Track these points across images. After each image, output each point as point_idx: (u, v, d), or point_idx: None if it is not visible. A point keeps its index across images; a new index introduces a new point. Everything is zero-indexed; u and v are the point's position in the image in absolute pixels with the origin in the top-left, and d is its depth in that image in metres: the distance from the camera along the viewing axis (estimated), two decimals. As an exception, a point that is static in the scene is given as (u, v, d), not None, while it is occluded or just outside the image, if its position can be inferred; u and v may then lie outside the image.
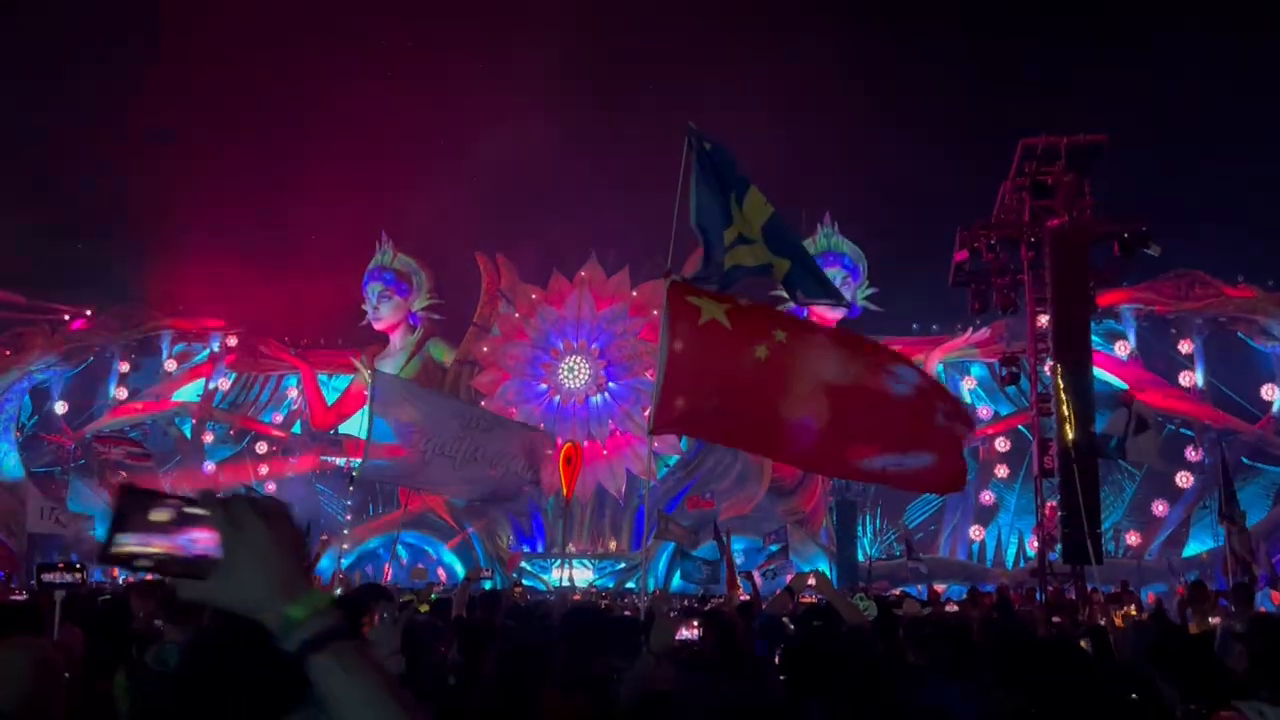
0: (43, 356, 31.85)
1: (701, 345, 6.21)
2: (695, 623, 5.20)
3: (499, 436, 10.61)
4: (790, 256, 6.76)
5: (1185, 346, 27.66)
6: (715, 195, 6.78)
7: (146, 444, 31.94)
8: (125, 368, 33.00)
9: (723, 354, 6.27)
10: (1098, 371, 21.15)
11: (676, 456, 29.17)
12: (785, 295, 7.41)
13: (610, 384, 31.01)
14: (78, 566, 5.56)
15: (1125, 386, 27.24)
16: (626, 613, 10.29)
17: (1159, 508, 27.29)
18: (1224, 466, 15.58)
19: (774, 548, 22.76)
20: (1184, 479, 26.73)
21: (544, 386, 31.22)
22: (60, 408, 32.18)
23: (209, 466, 32.22)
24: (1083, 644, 6.23)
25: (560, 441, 29.63)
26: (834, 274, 29.87)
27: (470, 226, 33.16)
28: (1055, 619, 10.33)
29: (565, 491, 28.73)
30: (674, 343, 6.18)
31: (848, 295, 29.91)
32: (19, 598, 5.88)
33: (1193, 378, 27.34)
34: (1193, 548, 26.67)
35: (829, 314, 29.85)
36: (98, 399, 32.78)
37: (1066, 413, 17.08)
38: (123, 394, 32.55)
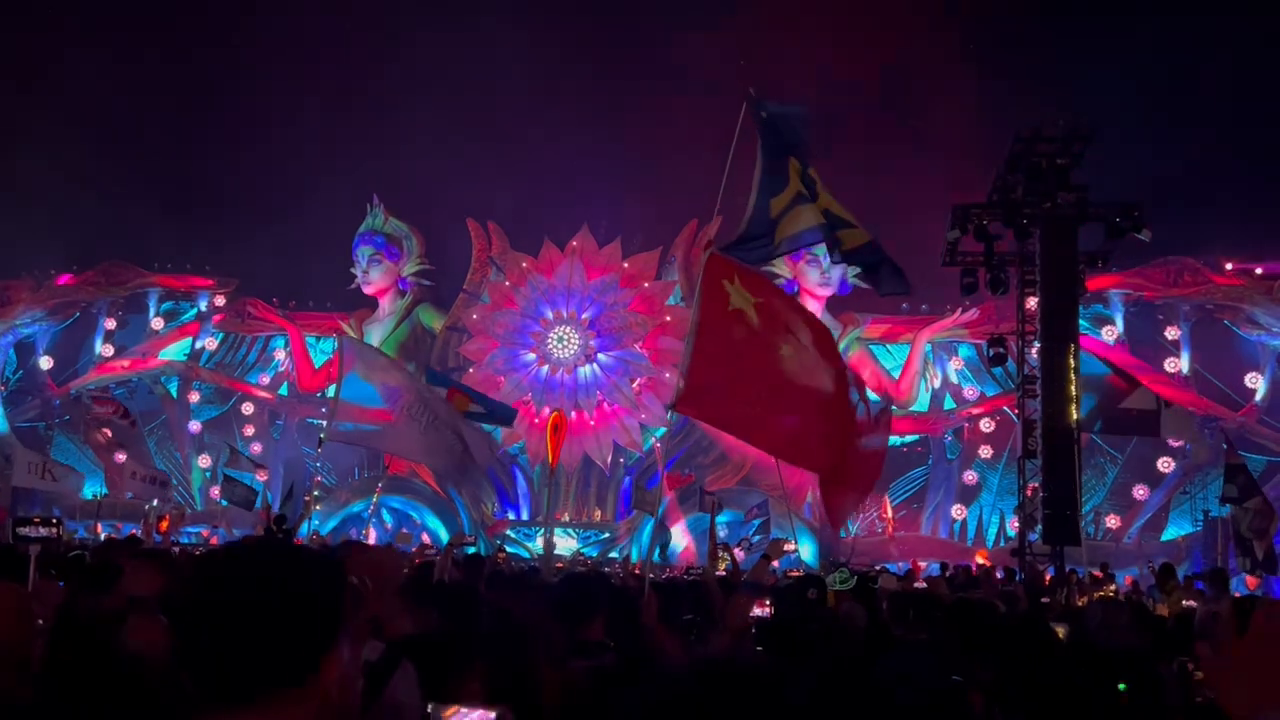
0: (28, 311, 31.68)
1: (726, 332, 6.03)
2: (767, 601, 5.23)
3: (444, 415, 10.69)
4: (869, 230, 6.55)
5: (1172, 333, 27.83)
6: (772, 162, 6.59)
7: (132, 402, 31.88)
8: (111, 325, 32.82)
9: (745, 347, 6.10)
10: (1085, 354, 21.29)
11: (664, 429, 29.24)
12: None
13: (599, 355, 31.00)
14: (54, 521, 5.59)
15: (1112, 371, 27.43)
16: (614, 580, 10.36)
17: (1140, 492, 27.55)
18: (1229, 447, 15.76)
19: (756, 523, 22.97)
20: (1165, 464, 26.98)
21: (532, 356, 31.21)
22: (45, 363, 32.04)
23: (194, 426, 32.17)
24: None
25: (547, 411, 29.70)
26: (824, 251, 29.84)
27: (462, 192, 32.93)
28: (1044, 600, 10.47)
29: (551, 460, 28.78)
30: (703, 323, 5.99)
31: (838, 274, 29.94)
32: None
33: (1178, 364, 27.53)
34: (1171, 532, 26.99)
35: (818, 290, 29.96)
36: (83, 355, 32.65)
37: (1054, 396, 17.19)
38: (109, 351, 32.40)
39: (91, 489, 29.52)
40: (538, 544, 28.45)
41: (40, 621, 3.83)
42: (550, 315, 31.31)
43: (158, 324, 32.93)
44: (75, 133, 34.53)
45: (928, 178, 28.19)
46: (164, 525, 18.65)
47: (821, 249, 29.54)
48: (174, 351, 32.64)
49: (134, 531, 20.68)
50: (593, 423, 30.77)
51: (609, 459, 30.65)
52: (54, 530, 5.57)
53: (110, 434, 31.08)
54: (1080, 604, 11.21)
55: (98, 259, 32.65)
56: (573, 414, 30.44)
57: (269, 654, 1.38)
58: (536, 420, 30.29)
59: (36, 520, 5.53)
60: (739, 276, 6.11)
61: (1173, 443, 26.92)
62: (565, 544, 29.00)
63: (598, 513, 30.91)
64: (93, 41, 35.97)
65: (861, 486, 6.46)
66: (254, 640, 1.37)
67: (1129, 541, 26.71)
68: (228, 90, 36.85)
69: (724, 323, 6.02)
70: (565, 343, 31.02)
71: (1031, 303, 18.57)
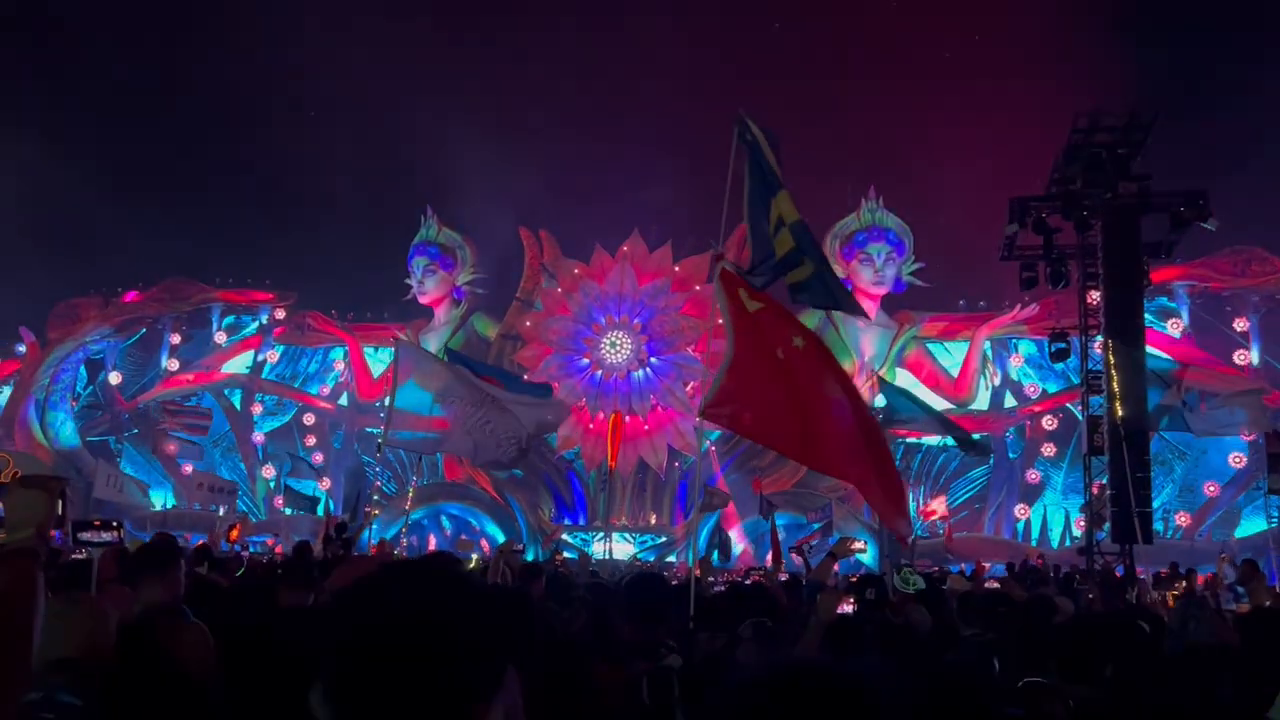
0: (97, 329, 32.61)
1: (746, 337, 6.19)
2: (852, 598, 5.25)
3: (500, 406, 10.84)
4: (815, 263, 6.76)
5: (1240, 324, 27.05)
6: (760, 186, 6.79)
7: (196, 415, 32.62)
8: (176, 340, 33.67)
9: (759, 350, 6.24)
10: (1150, 349, 20.80)
11: (718, 432, 29.14)
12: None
13: (652, 359, 31.02)
14: (115, 525, 5.60)
15: (1177, 365, 26.75)
16: (674, 582, 10.35)
17: (1210, 488, 26.79)
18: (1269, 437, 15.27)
19: (816, 525, 22.77)
20: (1236, 459, 26.20)
21: (586, 361, 31.32)
22: (114, 378, 32.93)
23: (258, 437, 32.80)
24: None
25: (602, 415, 29.79)
26: (879, 249, 29.57)
27: (514, 200, 33.22)
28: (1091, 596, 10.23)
29: (611, 461, 28.96)
30: (727, 331, 6.19)
31: (892, 272, 29.65)
32: (79, 556, 6.04)
33: (1247, 356, 26.75)
34: (1245, 528, 26.19)
35: (871, 289, 29.67)
36: (150, 370, 33.50)
37: (1118, 390, 16.81)
38: (174, 365, 33.21)
39: (162, 499, 30.28)
40: (595, 549, 28.51)
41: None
42: (603, 321, 31.40)
43: (220, 338, 33.68)
44: (136, 152, 35.51)
45: (984, 171, 27.80)
46: (234, 534, 19.03)
47: (878, 248, 29.46)
48: (237, 364, 33.35)
49: (202, 541, 21.13)
50: (647, 427, 30.77)
51: (664, 463, 30.62)
52: (116, 534, 5.60)
53: (176, 447, 31.84)
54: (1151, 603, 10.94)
55: (162, 276, 33.52)
56: (626, 418, 30.49)
57: (414, 696, 1.19)
58: (591, 425, 30.43)
59: (97, 524, 5.51)
60: (744, 288, 6.31)
61: (1244, 437, 26.16)
62: (622, 548, 29.01)
63: (653, 516, 30.88)
64: (153, 62, 36.95)
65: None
66: (400, 680, 1.19)
67: (1200, 539, 25.96)
68: (283, 107, 37.59)
69: (742, 329, 6.16)
70: (618, 347, 31.09)
71: (1094, 296, 18.15)
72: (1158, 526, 24.41)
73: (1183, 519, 26.83)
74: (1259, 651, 3.43)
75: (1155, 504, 23.89)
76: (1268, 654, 3.29)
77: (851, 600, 5.26)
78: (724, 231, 6.87)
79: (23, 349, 32.29)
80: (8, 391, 32.14)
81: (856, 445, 6.14)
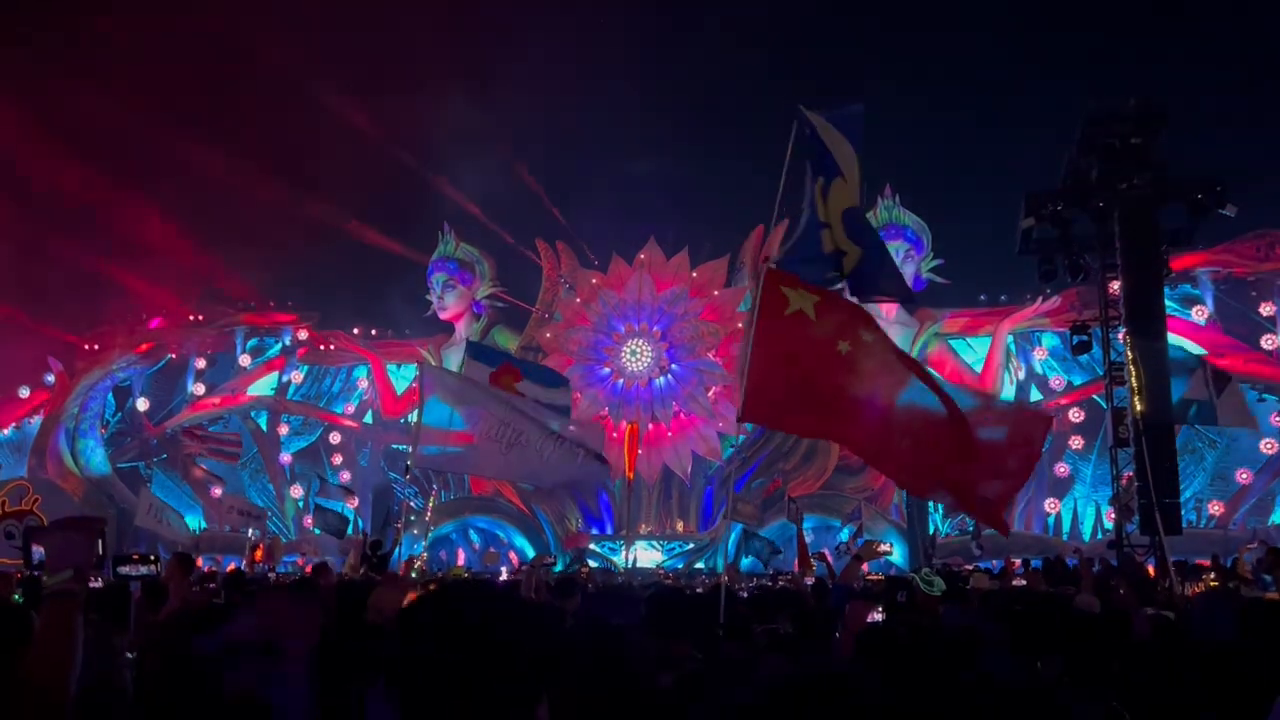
0: (124, 356, 32.98)
1: (786, 336, 6.07)
2: (880, 607, 5.22)
3: (533, 420, 10.72)
4: (864, 247, 6.59)
5: (1266, 309, 26.74)
6: (816, 177, 6.70)
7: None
8: (201, 364, 33.96)
9: (806, 346, 6.11)
10: (1174, 338, 20.61)
11: (742, 437, 29.11)
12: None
13: (673, 366, 31.05)
14: (153, 558, 5.62)
15: (1204, 352, 26.46)
16: (699, 589, 10.34)
17: (1242, 476, 26.47)
18: None
19: (850, 529, 22.61)
20: (1268, 445, 25.88)
21: (607, 370, 31.40)
22: (142, 405, 33.29)
23: (285, 457, 33.05)
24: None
25: (623, 423, 29.82)
26: (896, 247, 29.44)
27: (530, 212, 33.37)
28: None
29: (628, 472, 28.93)
30: (760, 332, 6.08)
31: (911, 269, 29.52)
32: (95, 585, 6.01)
33: (1275, 341, 26.41)
34: (1278, 516, 25.86)
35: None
36: (177, 395, 33.84)
37: (1139, 382, 16.68)
38: (200, 390, 33.52)
39: (194, 523, 30.55)
40: (622, 558, 28.54)
41: (130, 655, 3.97)
42: (622, 329, 31.47)
43: (245, 361, 33.96)
44: (157, 177, 35.89)
45: (999, 166, 27.67)
46: (259, 555, 19.18)
47: (896, 246, 29.34)
48: (262, 386, 33.61)
49: (233, 565, 21.33)
50: (670, 434, 30.78)
51: (689, 469, 30.61)
52: (154, 567, 5.63)
53: (205, 470, 32.13)
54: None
55: (185, 301, 33.87)
56: (649, 425, 30.50)
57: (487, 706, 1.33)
58: (615, 434, 30.44)
59: (135, 557, 5.55)
60: (798, 285, 6.14)
61: (1276, 420, 25.84)
62: (649, 556, 29.00)
63: (680, 524, 30.86)
64: (169, 79, 37.37)
65: (1004, 477, 6.18)
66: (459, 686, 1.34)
67: (1234, 528, 25.64)
68: (297, 128, 37.91)
69: (784, 327, 6.04)
70: (638, 355, 31.15)
71: (1115, 287, 18.03)
72: (1190, 516, 24.17)
73: (1215, 508, 26.51)
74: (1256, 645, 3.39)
75: (1187, 493, 23.67)
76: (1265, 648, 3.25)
77: (879, 609, 5.25)
78: (773, 226, 6.83)
79: (52, 379, 32.72)
80: (39, 421, 32.56)
81: (946, 440, 5.94)
